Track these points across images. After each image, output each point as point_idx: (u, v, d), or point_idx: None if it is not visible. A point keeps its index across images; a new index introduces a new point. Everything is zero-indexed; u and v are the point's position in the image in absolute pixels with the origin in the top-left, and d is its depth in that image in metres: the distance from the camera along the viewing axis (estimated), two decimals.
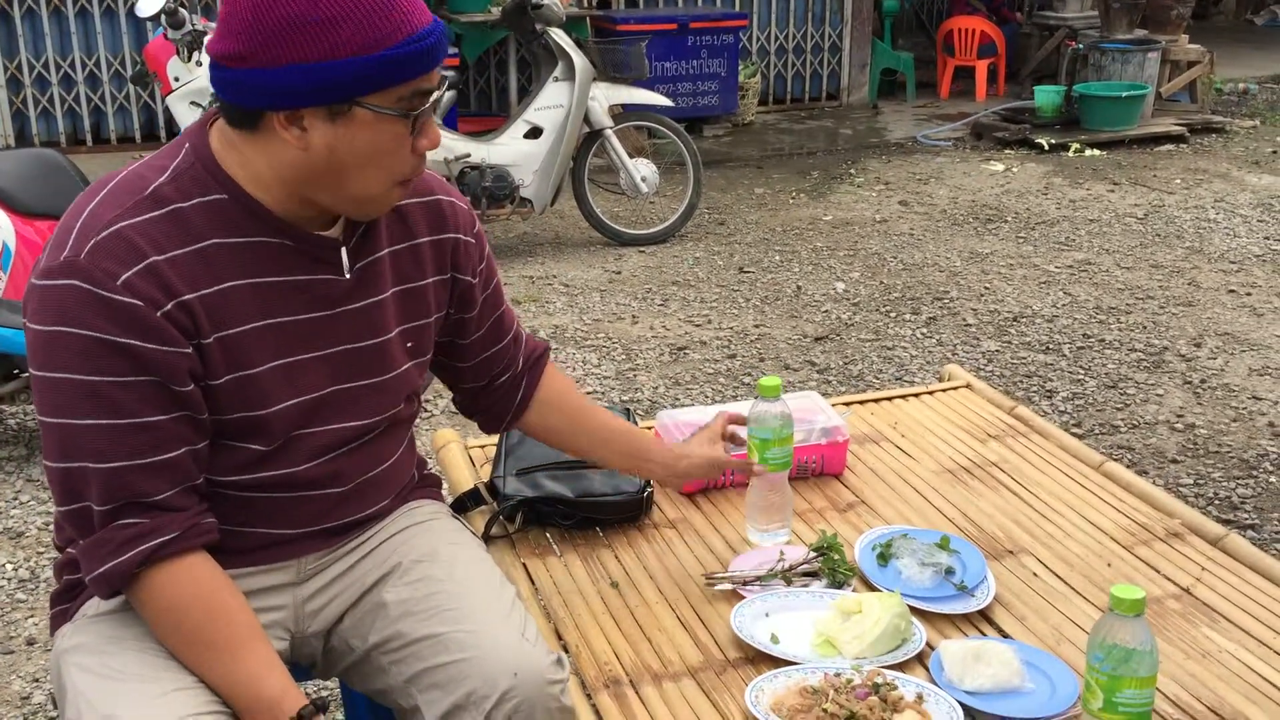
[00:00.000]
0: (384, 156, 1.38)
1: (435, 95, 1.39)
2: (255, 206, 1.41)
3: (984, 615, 1.71)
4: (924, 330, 4.71)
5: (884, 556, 1.81)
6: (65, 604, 1.54)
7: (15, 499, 3.37)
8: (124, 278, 1.32)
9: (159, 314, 1.33)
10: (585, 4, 7.84)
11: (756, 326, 4.75)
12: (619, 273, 5.43)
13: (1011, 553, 1.88)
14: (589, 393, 4.10)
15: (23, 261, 3.32)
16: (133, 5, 5.98)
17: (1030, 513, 2.00)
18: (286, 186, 1.41)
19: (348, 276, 1.49)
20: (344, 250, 1.48)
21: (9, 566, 3.02)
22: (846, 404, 2.42)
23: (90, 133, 7.33)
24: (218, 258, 1.39)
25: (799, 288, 5.21)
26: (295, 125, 1.35)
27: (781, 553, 1.82)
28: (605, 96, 5.63)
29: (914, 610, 1.67)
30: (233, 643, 1.38)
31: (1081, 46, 8.28)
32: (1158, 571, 1.83)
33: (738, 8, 8.57)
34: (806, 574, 1.79)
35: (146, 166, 1.41)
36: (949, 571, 1.76)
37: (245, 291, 1.41)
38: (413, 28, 1.33)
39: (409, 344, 1.58)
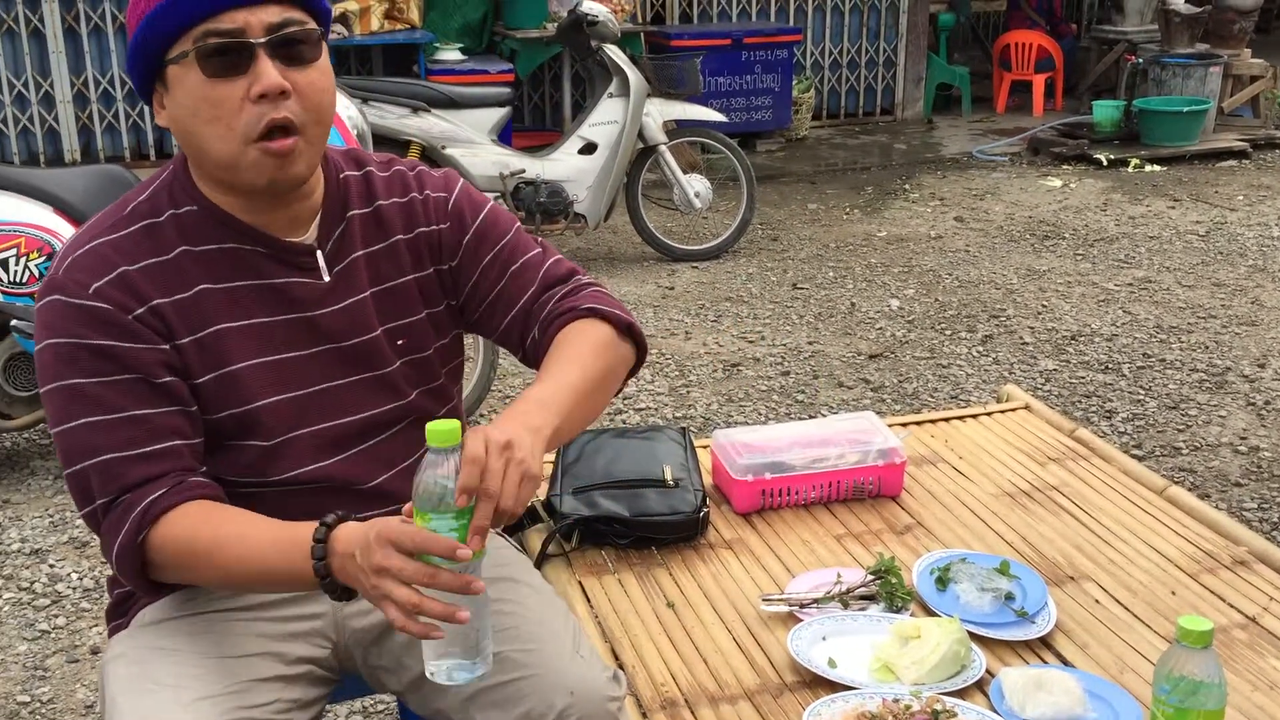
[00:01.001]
0: (206, 109, 1.38)
1: (252, 39, 1.36)
2: (222, 215, 1.47)
3: (1045, 642, 1.69)
4: (980, 349, 4.67)
5: (942, 580, 1.79)
6: (119, 619, 1.59)
7: None
8: (95, 286, 1.41)
9: (130, 317, 1.41)
10: (639, 20, 7.87)
11: (810, 343, 4.73)
12: (672, 288, 5.44)
13: (1073, 579, 1.86)
14: (642, 409, 4.11)
15: None
16: None
17: (1092, 538, 1.97)
18: (220, 187, 1.46)
19: (326, 280, 1.51)
20: (320, 254, 1.51)
21: (74, 576, 3.08)
22: (903, 424, 2.41)
23: (153, 147, 7.47)
24: (188, 265, 1.46)
25: (853, 304, 5.19)
26: (160, 107, 1.44)
27: (839, 575, 1.81)
28: (659, 112, 5.65)
29: (973, 636, 1.65)
30: (241, 536, 1.39)
31: (1141, 61, 8.18)
32: (1223, 600, 1.80)
33: (791, 23, 8.57)
34: (864, 597, 1.78)
35: (135, 189, 1.51)
36: (1009, 597, 1.74)
37: (218, 295, 1.46)
38: None
39: (399, 341, 1.57)
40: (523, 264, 1.62)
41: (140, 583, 1.45)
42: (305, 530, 1.34)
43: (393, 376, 1.57)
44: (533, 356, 1.61)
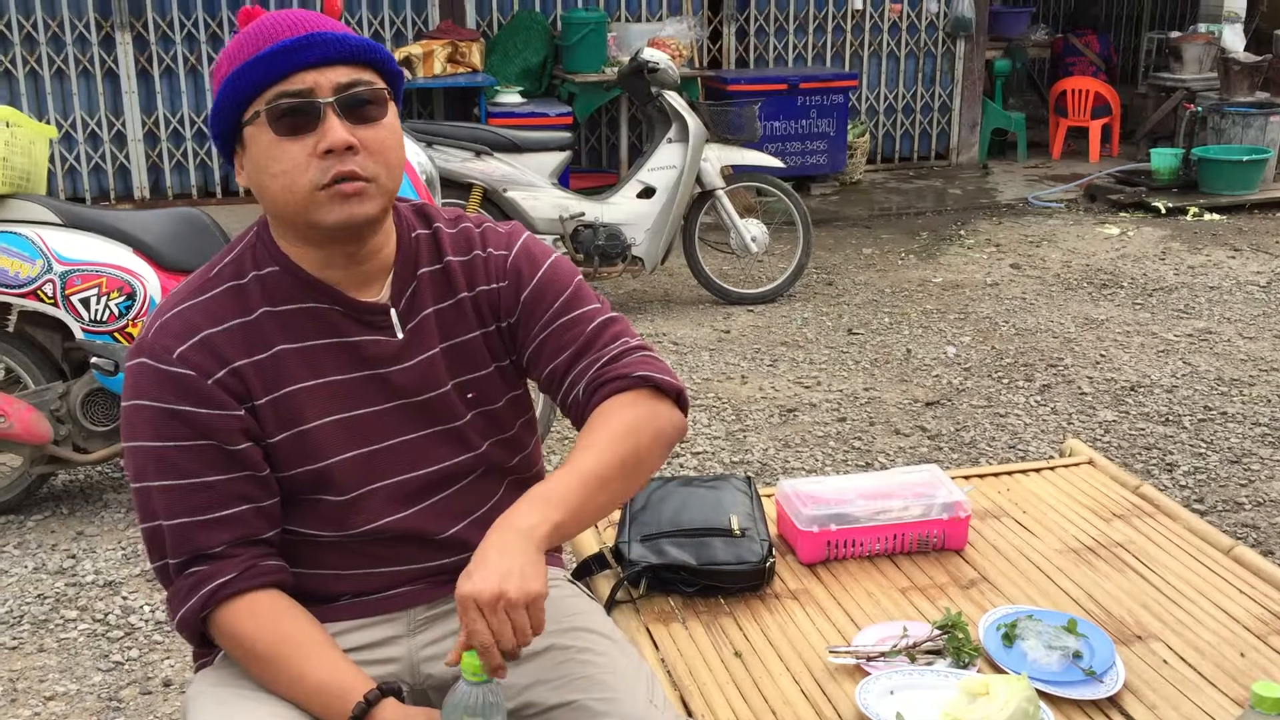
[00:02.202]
0: (274, 164, 1.45)
1: (320, 99, 1.42)
2: (303, 275, 1.53)
3: (1114, 702, 1.70)
4: (1038, 398, 4.65)
5: (1009, 637, 1.80)
6: (204, 655, 1.63)
7: None
8: (179, 351, 1.48)
9: (210, 381, 1.47)
10: (696, 64, 7.97)
11: (866, 389, 4.74)
12: (728, 332, 5.47)
13: (1140, 638, 1.86)
14: (699, 453, 4.13)
15: None
16: None
17: (1159, 597, 1.97)
18: (298, 243, 1.52)
19: (399, 337, 1.56)
20: (394, 312, 1.56)
21: (146, 609, 3.15)
22: (966, 477, 2.42)
23: (220, 185, 7.65)
24: (268, 326, 1.52)
25: (909, 351, 5.19)
26: (240, 167, 1.51)
27: (905, 629, 1.83)
28: (717, 158, 5.72)
29: (1041, 694, 1.66)
30: (299, 659, 1.47)
31: (1200, 109, 8.14)
32: None
33: (847, 68, 8.63)
34: (930, 651, 1.80)
35: (221, 251, 1.58)
36: (1077, 655, 1.75)
37: (294, 355, 1.52)
38: (269, 40, 1.43)
39: (469, 395, 1.61)
40: (574, 317, 1.61)
41: (197, 647, 1.57)
42: (354, 685, 1.45)
43: (464, 429, 1.60)
44: (574, 414, 1.61)
